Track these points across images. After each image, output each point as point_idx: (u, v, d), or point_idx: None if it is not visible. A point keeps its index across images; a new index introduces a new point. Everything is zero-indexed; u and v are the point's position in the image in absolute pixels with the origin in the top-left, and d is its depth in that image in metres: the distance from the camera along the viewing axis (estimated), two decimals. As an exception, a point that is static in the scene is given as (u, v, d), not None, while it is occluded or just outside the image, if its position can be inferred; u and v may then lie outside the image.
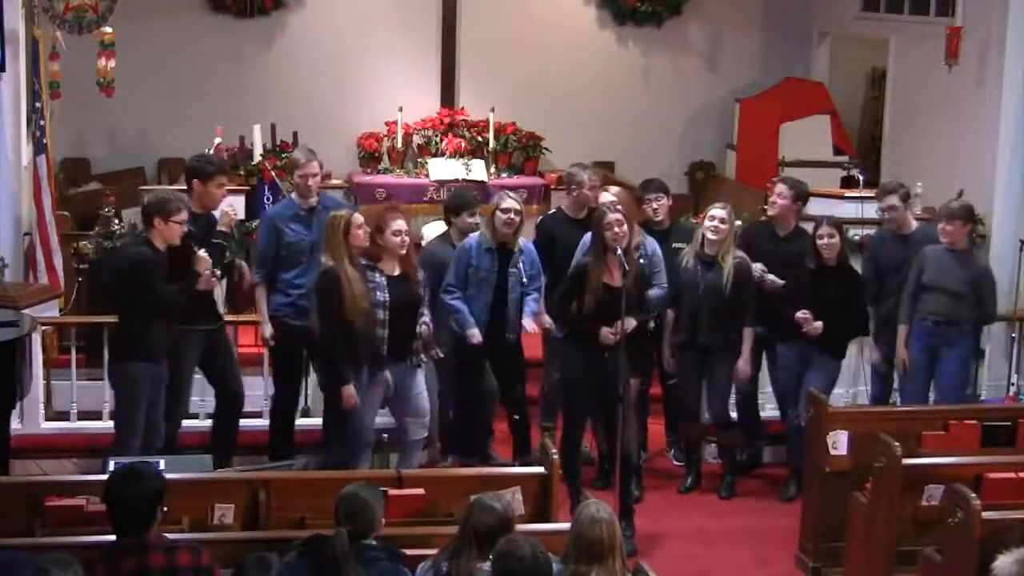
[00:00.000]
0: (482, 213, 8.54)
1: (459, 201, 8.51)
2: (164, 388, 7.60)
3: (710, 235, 8.18)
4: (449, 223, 8.45)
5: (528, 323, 8.02)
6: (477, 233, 8.15)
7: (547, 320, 8.03)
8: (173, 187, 10.66)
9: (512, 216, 8.00)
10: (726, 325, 8.22)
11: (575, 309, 7.53)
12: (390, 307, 7.48)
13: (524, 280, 8.08)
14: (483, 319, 8.04)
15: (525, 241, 8.22)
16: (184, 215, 7.39)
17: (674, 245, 8.46)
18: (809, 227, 8.46)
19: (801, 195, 8.62)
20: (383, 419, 7.96)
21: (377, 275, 7.52)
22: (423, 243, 8.81)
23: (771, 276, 8.34)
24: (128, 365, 7.42)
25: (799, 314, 8.12)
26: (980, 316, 8.34)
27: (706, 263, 8.22)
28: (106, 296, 7.79)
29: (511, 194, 8.21)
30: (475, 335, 7.99)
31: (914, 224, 8.65)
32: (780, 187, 8.67)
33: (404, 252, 7.57)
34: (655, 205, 8.57)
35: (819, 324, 8.10)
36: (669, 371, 8.50)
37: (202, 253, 7.49)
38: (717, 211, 8.23)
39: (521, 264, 8.07)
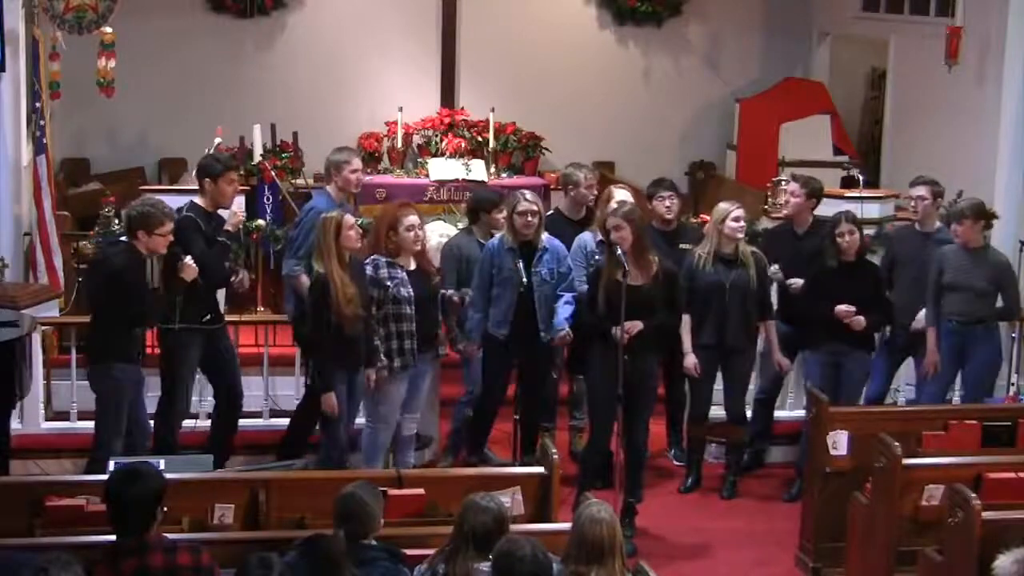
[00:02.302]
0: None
1: (485, 199, 8.53)
2: (141, 389, 7.61)
3: (739, 235, 8.19)
4: (475, 220, 8.46)
5: (557, 332, 7.98)
6: (499, 235, 8.15)
7: (568, 336, 8.02)
8: (173, 187, 10.68)
9: (530, 218, 7.99)
10: (751, 323, 8.27)
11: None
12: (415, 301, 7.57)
13: (551, 278, 8.06)
14: (508, 319, 8.05)
15: (549, 238, 8.18)
16: (169, 227, 7.37)
17: (680, 246, 8.46)
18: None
19: (814, 192, 8.63)
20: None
21: (399, 271, 7.58)
22: (427, 242, 8.81)
23: (790, 280, 8.35)
24: (110, 368, 7.40)
25: (841, 308, 8.08)
26: (1003, 312, 8.32)
27: (725, 263, 8.22)
28: (92, 300, 7.79)
29: (527, 194, 8.15)
30: (471, 348, 8.16)
31: (937, 223, 8.61)
32: (792, 185, 8.71)
33: (418, 247, 7.65)
34: (667, 203, 8.56)
35: (861, 318, 8.09)
36: (690, 375, 8.36)
37: (188, 260, 7.50)
38: (738, 211, 8.22)
39: (544, 262, 8.06)
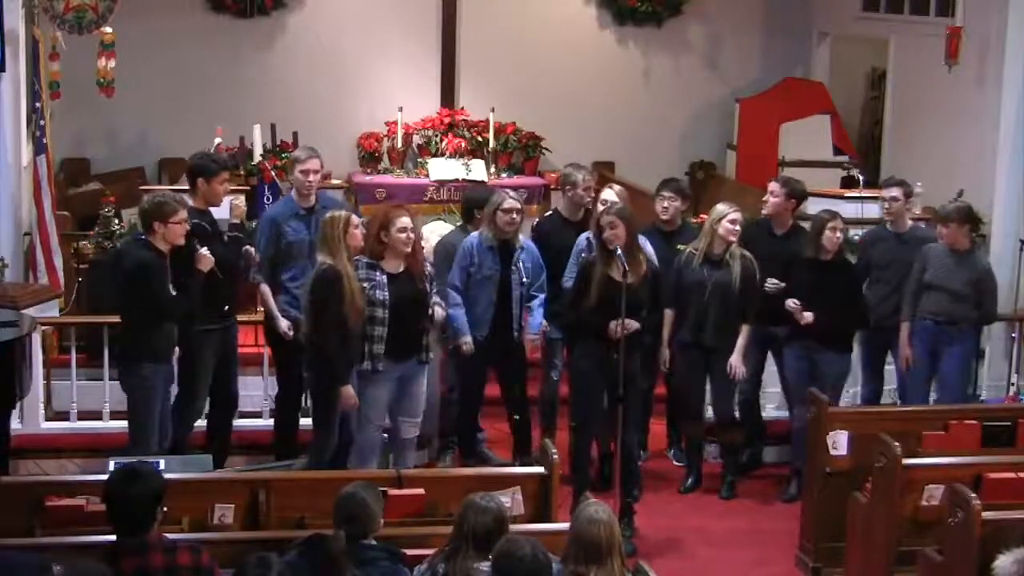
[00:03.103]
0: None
1: (479, 197, 8.53)
2: (171, 387, 7.63)
3: (731, 238, 8.18)
4: (471, 220, 8.45)
5: (531, 336, 8.04)
6: (476, 232, 8.15)
7: (537, 340, 8.05)
8: (173, 187, 10.67)
9: (515, 216, 8.03)
10: (732, 324, 8.24)
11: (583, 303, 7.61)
12: (392, 305, 7.49)
13: (526, 279, 8.09)
14: (487, 318, 8.06)
15: (525, 239, 8.23)
16: (183, 214, 7.39)
17: (679, 247, 8.46)
18: (807, 225, 8.49)
19: (795, 193, 8.62)
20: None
21: (377, 273, 7.52)
22: (423, 242, 8.80)
23: (773, 281, 8.35)
24: (141, 367, 7.41)
25: (789, 302, 8.13)
26: (980, 316, 8.37)
27: (712, 263, 8.22)
28: (113, 299, 7.78)
29: (511, 193, 8.21)
30: (467, 343, 8.07)
31: (909, 223, 8.69)
32: (773, 185, 8.70)
33: (409, 249, 7.57)
34: (665, 204, 8.57)
35: (809, 315, 8.11)
36: (664, 370, 8.47)
37: (204, 251, 7.51)
38: (735, 215, 8.22)
39: (522, 262, 8.08)
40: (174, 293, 7.42)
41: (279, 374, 8.39)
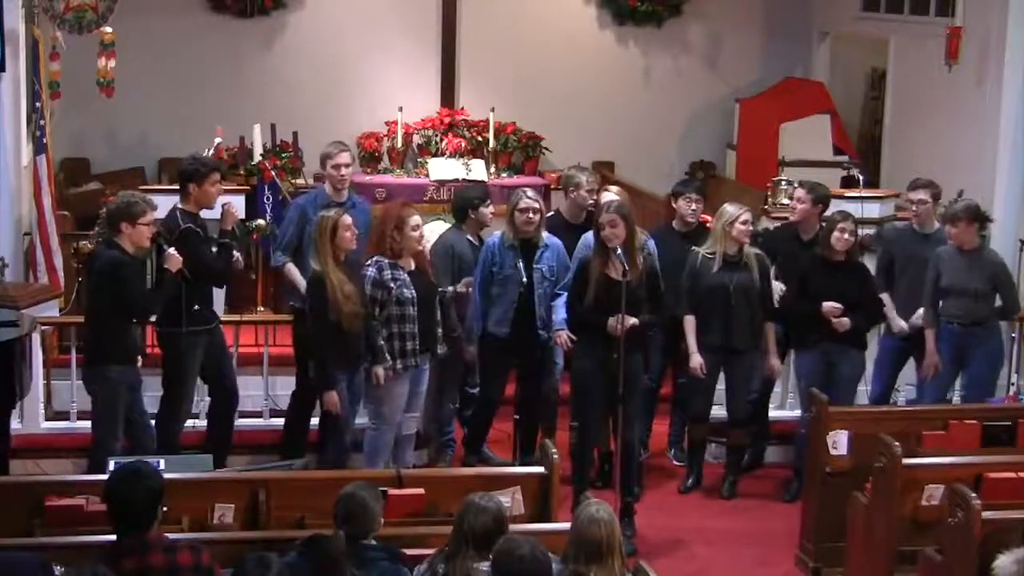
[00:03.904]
0: (495, 213, 8.54)
1: (471, 196, 8.54)
2: (139, 389, 7.59)
3: (745, 239, 8.17)
4: (464, 219, 8.45)
5: (558, 330, 8.04)
6: (499, 232, 8.17)
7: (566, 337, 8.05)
8: (174, 186, 10.66)
9: (531, 215, 8.06)
10: (756, 324, 8.25)
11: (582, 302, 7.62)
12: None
13: (551, 275, 8.12)
14: (510, 317, 8.09)
15: (549, 236, 8.23)
16: (151, 216, 7.34)
17: (692, 249, 8.45)
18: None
19: (820, 198, 8.60)
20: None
21: (401, 272, 7.59)
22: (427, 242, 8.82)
23: (780, 287, 8.39)
24: (106, 369, 7.38)
25: (828, 305, 8.10)
26: (1002, 311, 8.32)
27: (730, 265, 8.20)
28: (87, 301, 7.78)
29: (528, 192, 8.23)
30: (471, 352, 8.19)
31: (936, 224, 8.63)
32: (799, 192, 8.67)
33: (421, 247, 7.69)
34: (694, 207, 8.56)
35: (846, 320, 8.10)
36: (697, 377, 8.31)
37: (171, 251, 7.46)
38: (747, 215, 8.19)
39: (546, 260, 8.11)
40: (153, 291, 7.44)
41: (299, 370, 8.36)
